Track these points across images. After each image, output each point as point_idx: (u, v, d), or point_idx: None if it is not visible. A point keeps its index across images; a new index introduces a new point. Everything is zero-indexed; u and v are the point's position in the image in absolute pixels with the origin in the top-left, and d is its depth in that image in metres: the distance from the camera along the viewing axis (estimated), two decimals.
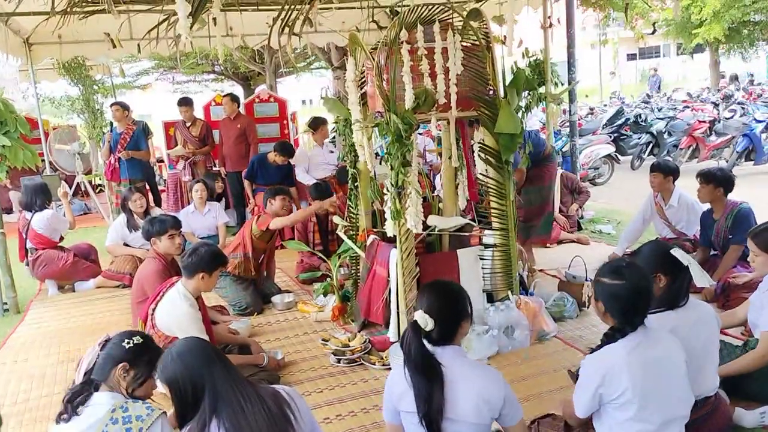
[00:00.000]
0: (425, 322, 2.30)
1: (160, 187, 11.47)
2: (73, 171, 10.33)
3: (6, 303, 5.80)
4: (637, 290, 2.38)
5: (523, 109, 4.52)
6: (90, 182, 10.68)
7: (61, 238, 6.37)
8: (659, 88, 22.96)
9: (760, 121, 10.79)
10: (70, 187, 10.27)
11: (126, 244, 6.37)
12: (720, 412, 2.81)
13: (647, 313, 2.42)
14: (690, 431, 2.61)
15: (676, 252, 2.67)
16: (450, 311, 2.37)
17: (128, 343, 2.40)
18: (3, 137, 5.28)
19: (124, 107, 7.99)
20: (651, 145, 11.84)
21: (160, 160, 12.33)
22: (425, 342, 2.33)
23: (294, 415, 2.15)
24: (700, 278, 2.64)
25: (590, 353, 2.49)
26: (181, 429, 2.12)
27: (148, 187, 8.11)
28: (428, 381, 2.26)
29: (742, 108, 12.21)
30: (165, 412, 2.35)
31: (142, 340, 2.45)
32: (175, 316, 3.53)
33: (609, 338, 2.41)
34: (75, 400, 2.30)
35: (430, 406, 2.25)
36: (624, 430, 2.35)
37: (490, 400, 2.28)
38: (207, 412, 2.06)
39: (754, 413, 2.95)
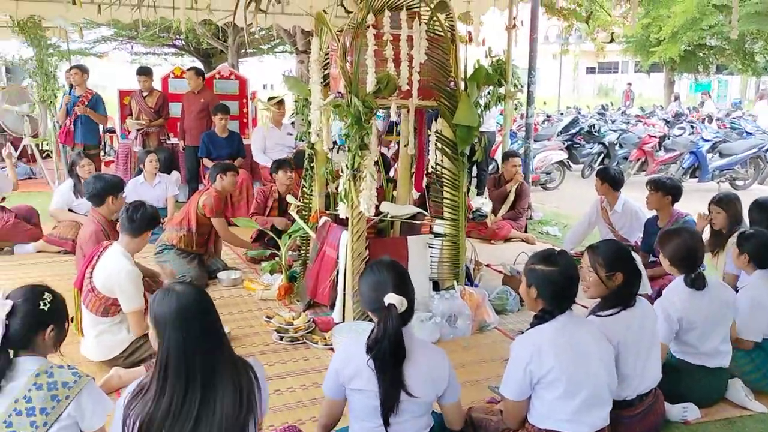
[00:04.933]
0: (401, 303, 2.24)
1: (110, 158, 11.27)
2: (20, 133, 9.99)
3: None
4: (569, 276, 2.50)
5: (483, 107, 4.61)
6: (37, 146, 10.36)
7: (3, 199, 6.16)
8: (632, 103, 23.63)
9: (707, 141, 11.19)
10: (16, 150, 9.94)
11: (71, 210, 6.23)
12: (660, 403, 2.95)
13: (575, 298, 2.54)
14: (635, 421, 2.78)
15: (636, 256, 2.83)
16: (412, 290, 2.34)
17: (44, 303, 2.20)
18: None
19: (84, 70, 7.94)
20: (602, 155, 12.12)
21: (112, 131, 12.04)
22: None
23: (257, 398, 2.02)
24: (644, 285, 2.86)
25: (519, 335, 2.58)
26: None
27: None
28: (398, 363, 2.23)
29: (692, 126, 12.65)
30: (93, 379, 2.23)
31: (51, 295, 2.25)
32: (118, 275, 3.46)
33: (539, 320, 2.51)
34: None
35: (395, 388, 2.22)
36: (553, 409, 2.42)
37: (436, 378, 2.33)
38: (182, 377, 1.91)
39: (677, 407, 3.10)
